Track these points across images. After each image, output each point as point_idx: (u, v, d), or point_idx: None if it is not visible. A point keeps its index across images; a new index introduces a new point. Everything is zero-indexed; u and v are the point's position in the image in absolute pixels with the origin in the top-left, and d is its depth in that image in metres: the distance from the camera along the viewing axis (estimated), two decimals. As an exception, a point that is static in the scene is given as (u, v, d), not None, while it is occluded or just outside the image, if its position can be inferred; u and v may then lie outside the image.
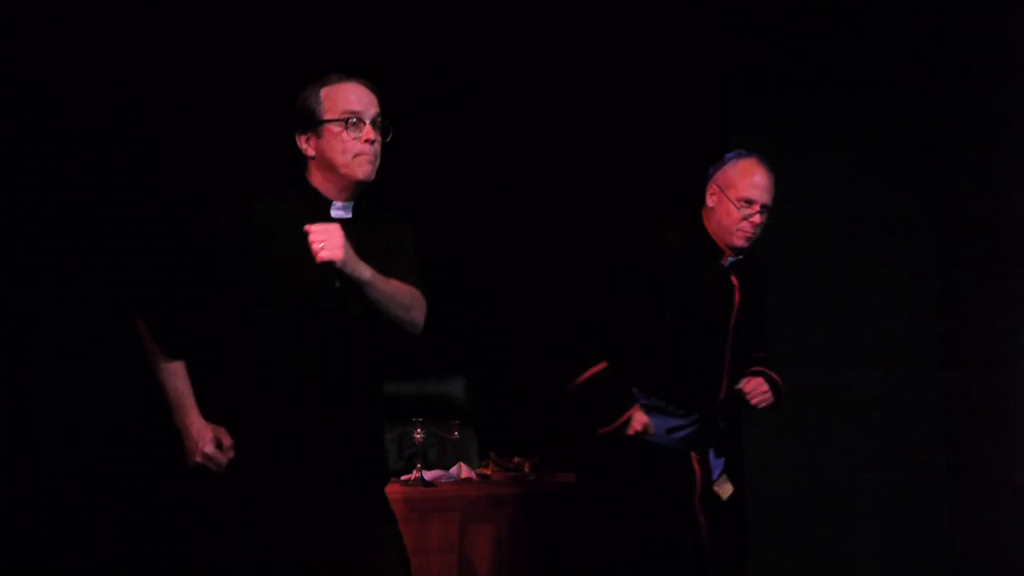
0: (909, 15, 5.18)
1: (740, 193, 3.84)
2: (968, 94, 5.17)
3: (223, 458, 3.14)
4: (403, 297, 3.15)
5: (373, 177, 3.16)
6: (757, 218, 3.83)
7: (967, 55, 5.18)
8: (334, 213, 3.18)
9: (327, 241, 2.97)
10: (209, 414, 3.22)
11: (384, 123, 3.17)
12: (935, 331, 5.20)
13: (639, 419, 3.80)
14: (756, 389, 3.90)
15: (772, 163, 5.07)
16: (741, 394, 3.90)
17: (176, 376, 3.19)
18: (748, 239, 3.85)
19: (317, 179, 3.20)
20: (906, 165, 5.22)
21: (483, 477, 4.89)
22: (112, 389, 4.74)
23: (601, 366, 3.83)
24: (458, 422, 4.99)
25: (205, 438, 3.15)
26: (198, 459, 3.14)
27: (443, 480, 4.63)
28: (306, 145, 3.18)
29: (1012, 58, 5.04)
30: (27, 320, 4.68)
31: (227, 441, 3.16)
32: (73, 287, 4.72)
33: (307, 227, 2.98)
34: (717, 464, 3.99)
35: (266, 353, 3.13)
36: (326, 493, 3.16)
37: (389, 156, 3.25)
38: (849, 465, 5.11)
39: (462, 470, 4.84)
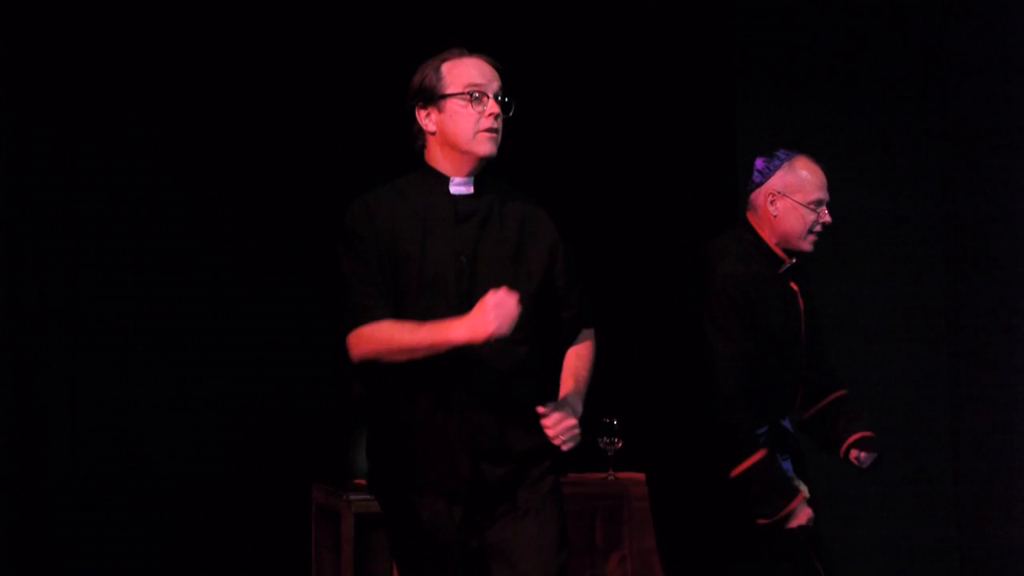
0: (915, 14, 5.17)
1: (811, 196, 3.67)
2: (975, 93, 5.17)
3: (512, 298, 2.88)
4: (588, 376, 3.18)
5: (495, 154, 3.09)
6: (828, 217, 3.68)
7: (973, 55, 5.17)
8: (453, 189, 3.11)
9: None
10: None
11: (506, 99, 3.10)
12: (942, 329, 5.19)
13: (804, 513, 3.59)
14: (865, 460, 3.78)
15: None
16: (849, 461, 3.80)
17: (416, 325, 2.99)
18: (816, 243, 3.71)
19: (436, 157, 3.13)
20: (913, 164, 5.21)
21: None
22: (115, 388, 4.74)
23: (760, 454, 3.58)
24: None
25: (481, 311, 2.88)
26: (491, 319, 2.85)
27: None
28: (426, 120, 3.11)
29: (1019, 57, 5.03)
30: (31, 319, 4.68)
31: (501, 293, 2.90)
32: (78, 286, 4.72)
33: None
34: (787, 466, 3.83)
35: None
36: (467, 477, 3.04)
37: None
38: (855, 465, 5.09)
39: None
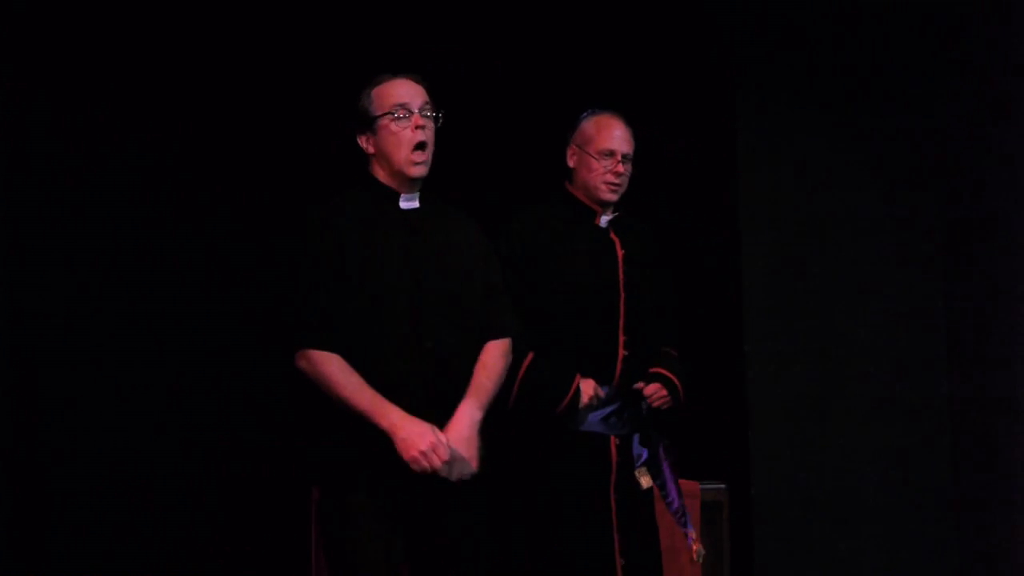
0: (915, 15, 5.17)
1: (599, 146, 3.90)
2: (974, 93, 5.17)
3: (443, 453, 3.15)
4: (499, 381, 3.39)
5: (426, 172, 3.34)
6: (620, 167, 3.89)
7: (973, 55, 5.17)
8: (403, 204, 3.36)
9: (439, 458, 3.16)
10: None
11: (433, 112, 3.34)
12: (941, 331, 5.20)
13: (586, 389, 3.79)
14: (655, 393, 3.88)
15: (777, 161, 5.11)
16: (640, 395, 3.89)
17: (363, 384, 3.19)
18: (615, 190, 3.91)
19: (380, 174, 3.38)
20: (911, 164, 5.21)
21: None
22: (115, 388, 4.73)
23: (528, 358, 3.80)
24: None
25: (425, 433, 3.15)
26: (421, 449, 3.13)
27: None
28: (366, 144, 3.38)
29: (1018, 58, 5.03)
30: (32, 319, 4.68)
31: (444, 437, 3.17)
32: (78, 286, 4.71)
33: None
34: (641, 452, 3.95)
35: (353, 349, 3.21)
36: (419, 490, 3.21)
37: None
38: (854, 465, 5.10)
39: (468, 470, 4.82)
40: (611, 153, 3.89)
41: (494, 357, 3.39)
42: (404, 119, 3.30)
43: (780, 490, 5.00)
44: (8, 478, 4.58)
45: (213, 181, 4.83)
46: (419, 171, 3.34)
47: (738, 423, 4.97)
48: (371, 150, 3.37)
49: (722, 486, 4.79)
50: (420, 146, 3.31)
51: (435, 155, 3.42)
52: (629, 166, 3.92)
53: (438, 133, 3.39)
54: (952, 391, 5.18)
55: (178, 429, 4.77)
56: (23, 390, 4.64)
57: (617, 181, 3.90)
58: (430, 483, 3.19)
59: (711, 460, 4.81)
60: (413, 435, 3.13)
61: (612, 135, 3.91)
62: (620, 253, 3.94)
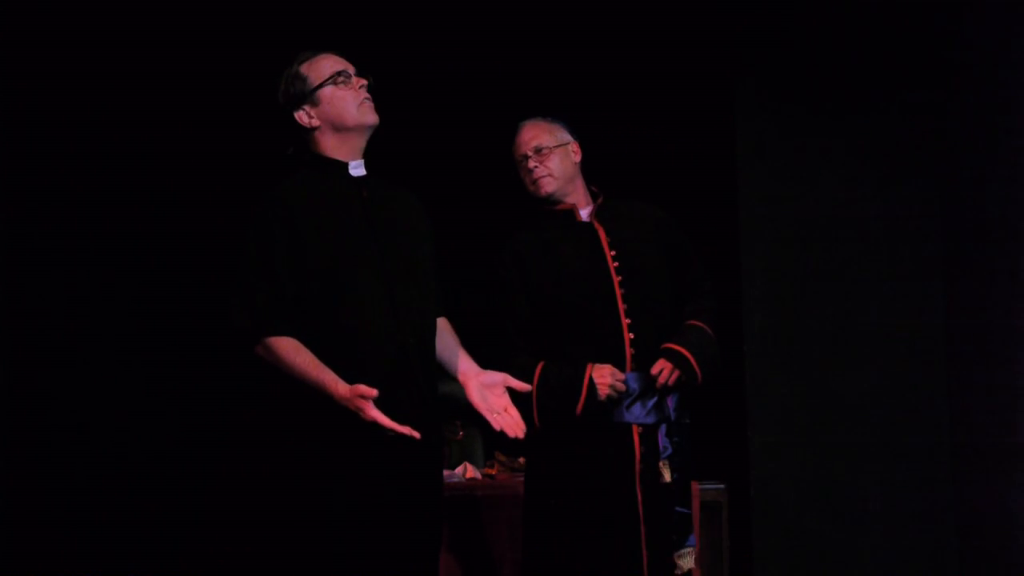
0: (915, 14, 5.17)
1: (515, 158, 4.05)
2: (975, 92, 5.17)
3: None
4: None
5: (379, 121, 3.32)
6: (530, 164, 3.99)
7: (974, 54, 5.17)
8: (353, 173, 3.33)
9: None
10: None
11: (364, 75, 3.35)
12: (941, 330, 5.19)
13: (599, 375, 3.81)
14: (662, 375, 3.87)
15: (777, 161, 5.11)
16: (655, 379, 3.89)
17: (316, 364, 3.15)
18: (541, 184, 4.00)
19: (326, 145, 3.34)
20: (913, 163, 5.21)
21: (488, 477, 4.89)
22: (114, 388, 4.74)
23: (538, 368, 3.85)
24: (462, 422, 4.98)
25: (357, 406, 3.09)
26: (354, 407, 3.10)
27: (449, 480, 4.62)
28: (308, 119, 3.32)
29: (1019, 57, 5.03)
30: (32, 321, 4.69)
31: (371, 391, 3.08)
32: (78, 288, 4.72)
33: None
34: (666, 444, 3.93)
35: (324, 323, 3.18)
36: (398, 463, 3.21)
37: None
38: (855, 465, 5.10)
39: (467, 470, 4.84)
40: (523, 158, 4.02)
41: (454, 333, 3.47)
42: (346, 81, 3.30)
43: (780, 490, 5.00)
44: (8, 478, 4.59)
45: (214, 181, 4.84)
46: (374, 117, 3.31)
47: (737, 423, 4.97)
48: (315, 123, 3.31)
49: (721, 486, 4.80)
50: (368, 100, 3.31)
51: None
52: (545, 154, 4.00)
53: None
54: (952, 390, 5.18)
55: (178, 429, 4.78)
56: (23, 390, 4.65)
57: (535, 176, 4.00)
58: (404, 465, 3.20)
59: (710, 460, 4.82)
60: (351, 404, 3.09)
61: (516, 144, 4.05)
62: (605, 240, 3.98)
